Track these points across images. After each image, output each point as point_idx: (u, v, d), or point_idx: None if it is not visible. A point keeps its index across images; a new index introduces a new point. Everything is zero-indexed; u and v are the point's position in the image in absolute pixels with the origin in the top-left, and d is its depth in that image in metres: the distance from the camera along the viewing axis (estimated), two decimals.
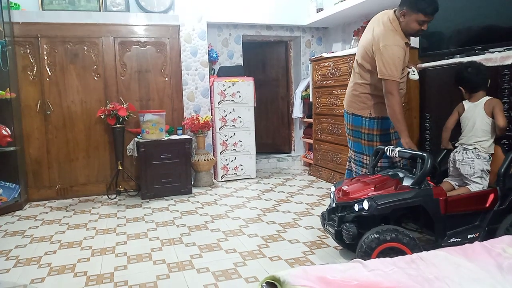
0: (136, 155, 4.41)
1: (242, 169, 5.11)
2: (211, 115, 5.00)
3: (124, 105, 4.36)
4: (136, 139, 4.45)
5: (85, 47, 4.39)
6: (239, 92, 5.00)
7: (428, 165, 2.30)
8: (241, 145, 5.08)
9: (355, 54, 4.16)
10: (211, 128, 4.93)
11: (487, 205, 2.43)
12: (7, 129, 3.87)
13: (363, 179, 2.56)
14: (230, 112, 5.00)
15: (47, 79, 4.30)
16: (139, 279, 2.42)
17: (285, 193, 4.38)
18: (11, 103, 3.99)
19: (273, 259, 2.64)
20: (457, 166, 2.65)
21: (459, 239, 2.36)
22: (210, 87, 5.02)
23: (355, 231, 2.32)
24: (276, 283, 1.45)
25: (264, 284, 1.49)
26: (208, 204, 4.04)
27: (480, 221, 2.44)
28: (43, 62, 4.27)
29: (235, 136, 5.04)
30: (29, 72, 4.25)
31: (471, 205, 2.44)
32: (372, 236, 2.17)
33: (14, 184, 4.07)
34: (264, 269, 2.50)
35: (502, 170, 2.42)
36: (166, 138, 4.42)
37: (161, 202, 4.18)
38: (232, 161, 5.06)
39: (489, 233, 2.37)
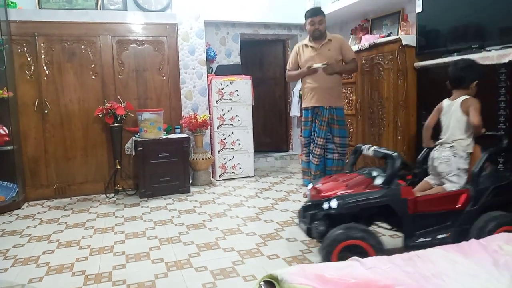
0: (134, 154, 4.41)
1: (240, 168, 5.11)
2: (209, 113, 5.00)
3: (122, 104, 4.35)
4: (134, 138, 4.45)
5: (83, 46, 4.38)
6: (237, 90, 5.00)
7: (396, 165, 2.32)
8: (239, 144, 5.08)
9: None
10: (209, 127, 4.93)
11: (459, 205, 2.39)
12: (4, 128, 3.90)
13: (338, 178, 2.58)
14: (228, 111, 5.00)
15: (45, 77, 4.29)
16: (137, 278, 2.42)
17: (283, 191, 4.39)
18: (8, 102, 3.98)
19: (271, 258, 2.65)
20: (434, 164, 2.64)
21: (429, 239, 2.36)
22: (208, 85, 5.02)
23: (323, 229, 2.34)
24: (274, 282, 1.45)
25: (262, 282, 1.49)
26: (206, 202, 4.05)
27: (452, 221, 2.40)
28: (41, 60, 4.26)
29: (233, 135, 5.04)
30: (26, 71, 4.23)
31: (442, 205, 2.41)
32: (336, 233, 2.20)
33: (11, 183, 4.06)
34: (262, 267, 2.50)
35: (476, 170, 2.42)
36: (164, 137, 4.41)
37: (159, 201, 4.18)
38: (230, 159, 5.06)
39: (461, 234, 2.33)
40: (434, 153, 2.67)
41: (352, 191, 2.35)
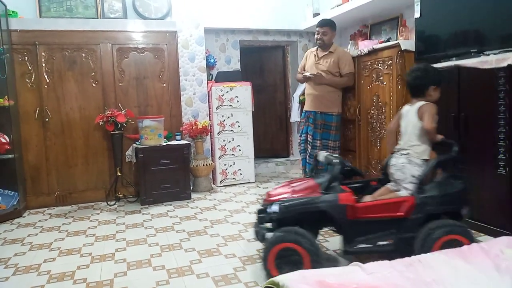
0: (135, 161, 4.42)
1: (240, 174, 5.11)
2: (209, 120, 5.01)
3: (123, 111, 4.37)
4: (134, 145, 4.45)
5: (83, 54, 4.41)
6: (237, 97, 5.02)
7: (335, 171, 2.37)
8: (240, 150, 5.08)
9: (352, 57, 4.22)
10: (209, 133, 4.94)
11: (402, 212, 2.35)
12: (5, 136, 3.91)
13: (293, 182, 2.60)
14: (228, 117, 5.01)
15: (45, 86, 4.31)
16: (138, 285, 2.42)
17: None
18: (9, 111, 4.00)
19: None
20: (391, 171, 2.63)
21: (370, 246, 2.37)
22: (208, 92, 5.03)
23: (264, 232, 2.40)
24: None
25: None
26: (207, 209, 4.04)
27: (396, 228, 2.37)
28: (41, 69, 4.28)
29: (233, 141, 5.05)
30: (27, 79, 4.26)
31: (384, 212, 2.38)
32: (273, 236, 2.28)
33: (12, 192, 4.06)
34: (263, 274, 2.49)
35: (421, 177, 2.41)
36: (164, 144, 4.42)
37: (160, 207, 4.18)
38: (230, 165, 5.06)
39: (405, 242, 2.33)
40: (392, 160, 2.66)
41: (296, 196, 2.39)
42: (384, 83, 3.74)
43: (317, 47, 4.24)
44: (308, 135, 4.22)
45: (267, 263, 2.28)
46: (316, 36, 4.16)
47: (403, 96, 3.56)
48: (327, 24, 4.10)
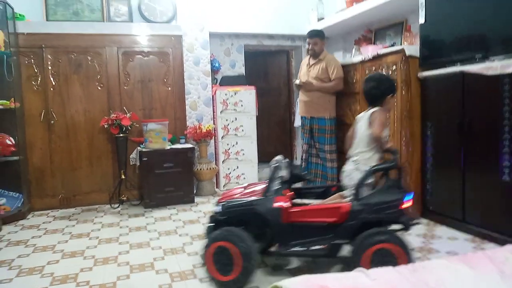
0: (139, 164, 4.43)
1: (244, 178, 5.11)
2: (214, 124, 5.02)
3: (127, 115, 4.38)
4: (139, 148, 4.47)
5: (89, 57, 4.44)
6: (241, 101, 5.02)
7: (273, 175, 2.46)
8: (243, 154, 5.08)
9: (356, 63, 4.23)
10: (213, 137, 4.94)
11: (337, 219, 2.34)
12: (11, 138, 3.94)
13: (249, 186, 2.72)
14: (232, 121, 5.02)
15: (51, 89, 4.34)
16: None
17: None
18: (15, 113, 4.02)
19: (276, 269, 2.63)
20: (342, 177, 2.65)
21: (303, 249, 2.39)
22: (213, 96, 5.05)
23: (210, 230, 2.50)
24: None
25: None
26: (210, 213, 4.04)
27: (332, 234, 2.36)
28: (47, 72, 4.31)
29: (237, 145, 5.05)
30: (33, 82, 4.29)
31: (318, 217, 2.39)
32: (211, 234, 2.41)
33: (17, 193, 4.08)
34: (266, 278, 2.49)
35: (356, 184, 2.40)
36: (169, 147, 4.43)
37: (164, 211, 4.19)
38: (234, 169, 5.06)
39: (338, 248, 2.35)
40: (344, 167, 2.68)
41: (241, 197, 2.51)
42: None
43: (309, 56, 4.49)
44: (302, 141, 4.55)
45: (205, 260, 2.40)
46: (307, 47, 4.44)
47: (408, 101, 3.55)
48: (317, 35, 4.35)
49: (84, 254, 3.02)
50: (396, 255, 2.17)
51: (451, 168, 3.28)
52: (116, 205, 4.42)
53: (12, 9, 4.08)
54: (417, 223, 2.46)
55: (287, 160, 2.65)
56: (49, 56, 4.31)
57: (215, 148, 5.12)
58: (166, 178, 4.34)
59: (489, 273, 1.52)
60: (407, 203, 2.31)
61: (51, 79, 4.33)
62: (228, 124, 5.00)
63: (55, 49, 4.32)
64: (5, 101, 3.89)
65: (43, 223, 3.90)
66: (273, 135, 6.48)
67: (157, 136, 4.33)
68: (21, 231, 3.67)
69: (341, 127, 4.55)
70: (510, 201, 2.78)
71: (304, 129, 4.53)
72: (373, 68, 3.94)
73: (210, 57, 5.11)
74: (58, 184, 4.41)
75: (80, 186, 4.48)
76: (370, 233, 2.23)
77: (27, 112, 4.27)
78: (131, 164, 4.56)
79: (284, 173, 2.51)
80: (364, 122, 2.63)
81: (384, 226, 2.32)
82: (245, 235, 2.33)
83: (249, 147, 5.10)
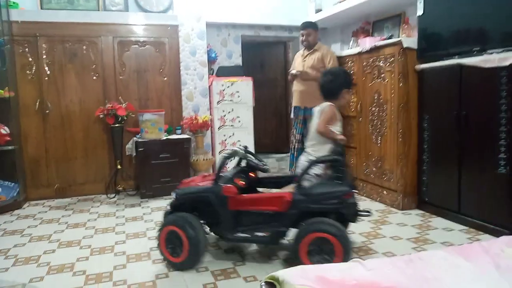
0: (135, 154, 4.41)
1: None
2: (210, 114, 5.00)
3: (123, 105, 4.36)
4: (135, 138, 4.45)
5: (84, 47, 4.39)
6: (238, 92, 5.01)
7: (219, 165, 2.60)
8: (240, 145, 5.06)
9: (353, 54, 4.22)
10: (210, 128, 4.93)
11: (279, 207, 2.43)
12: (5, 128, 3.91)
13: (212, 174, 2.87)
14: (229, 112, 5.01)
15: (46, 78, 4.30)
16: (138, 278, 2.43)
17: None
18: (10, 102, 3.99)
19: (272, 259, 2.65)
20: (297, 168, 2.77)
21: (247, 235, 2.50)
22: (209, 87, 5.02)
23: (166, 215, 2.65)
24: (275, 283, 1.45)
25: (263, 283, 1.49)
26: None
27: (275, 222, 2.46)
28: (42, 61, 4.27)
29: (234, 136, 5.04)
30: (27, 71, 4.24)
31: (262, 206, 2.49)
32: (165, 219, 2.58)
33: (12, 183, 4.06)
34: (262, 268, 2.50)
35: (300, 176, 2.49)
36: (165, 138, 4.42)
37: (160, 201, 4.18)
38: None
39: (280, 236, 2.46)
40: (299, 158, 2.82)
41: (196, 185, 2.64)
42: (386, 81, 3.74)
43: (303, 48, 4.51)
44: (295, 131, 4.54)
45: (160, 244, 2.54)
46: (301, 38, 4.46)
47: (405, 93, 3.56)
48: (310, 26, 4.39)
49: (80, 244, 3.02)
50: (333, 244, 2.25)
51: (448, 160, 3.30)
52: (112, 195, 4.41)
53: None
54: (368, 215, 2.56)
55: (245, 150, 2.77)
56: (43, 45, 4.26)
57: (212, 139, 5.11)
58: (163, 169, 4.33)
59: (485, 265, 1.54)
60: (349, 195, 2.39)
61: (46, 68, 4.29)
62: (225, 115, 4.99)
63: (49, 38, 4.28)
64: None
65: (39, 213, 3.89)
66: (270, 127, 6.47)
67: (153, 127, 4.31)
68: (17, 220, 3.66)
69: None
70: (505, 193, 2.80)
71: (298, 119, 4.50)
72: (371, 60, 3.93)
73: (207, 47, 5.08)
74: (53, 174, 4.39)
75: (75, 176, 4.47)
76: (310, 222, 2.33)
77: (21, 101, 4.23)
78: (127, 154, 4.55)
79: (242, 162, 2.67)
80: (316, 116, 2.77)
81: (328, 217, 2.38)
82: (195, 221, 2.48)
83: (246, 138, 5.10)
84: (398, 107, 3.60)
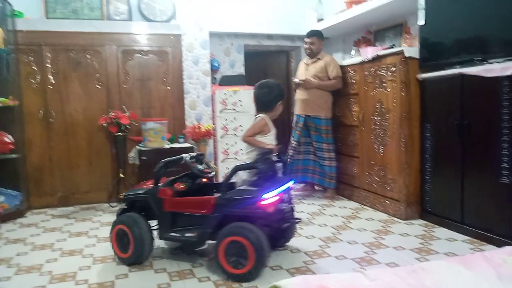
0: (138, 163, 4.42)
1: None
2: (213, 123, 5.02)
3: (126, 113, 4.38)
4: (138, 147, 4.46)
5: (88, 56, 4.43)
6: (241, 101, 5.03)
7: (157, 168, 2.78)
8: (242, 154, 5.07)
9: (355, 64, 4.24)
10: (212, 137, 4.94)
11: (205, 210, 2.60)
12: (9, 136, 3.93)
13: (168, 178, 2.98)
14: (232, 121, 5.02)
15: (50, 86, 4.33)
16: (140, 287, 2.42)
17: None
18: (14, 111, 4.02)
19: (274, 269, 2.64)
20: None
21: (178, 235, 2.67)
22: (212, 96, 5.05)
23: (118, 214, 2.85)
24: None
25: None
26: None
27: (202, 223, 2.60)
28: (46, 70, 4.30)
29: (236, 145, 5.06)
30: (32, 80, 4.28)
31: (191, 208, 2.68)
32: (118, 218, 2.79)
33: (15, 192, 4.07)
34: (265, 278, 2.49)
35: (225, 181, 2.67)
36: (167, 147, 4.43)
37: None
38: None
39: (206, 237, 2.61)
40: None
41: (146, 187, 2.83)
42: (388, 90, 3.75)
43: (307, 56, 4.59)
44: (292, 138, 4.62)
45: (112, 242, 2.78)
46: (305, 46, 4.52)
47: (407, 103, 3.56)
48: (315, 35, 4.46)
49: (82, 253, 3.02)
50: (246, 248, 2.36)
51: (450, 169, 3.29)
52: (115, 204, 4.41)
53: (11, 6, 4.08)
54: (298, 222, 2.84)
55: (195, 157, 2.97)
56: (48, 54, 4.30)
57: (214, 148, 5.13)
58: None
59: (487, 275, 1.53)
60: (264, 202, 2.44)
61: (50, 77, 4.33)
62: (227, 124, 5.01)
63: (54, 47, 4.32)
64: (4, 98, 3.88)
65: (42, 221, 3.89)
66: None
67: (156, 135, 4.32)
68: (19, 229, 3.66)
69: (340, 128, 4.58)
70: (508, 203, 2.79)
71: (297, 126, 4.56)
72: (373, 69, 3.95)
73: (210, 56, 5.11)
74: (57, 182, 4.40)
75: (78, 185, 4.48)
76: (229, 226, 2.46)
77: (25, 110, 4.26)
78: (130, 163, 4.56)
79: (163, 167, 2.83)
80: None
81: (254, 222, 2.46)
82: (140, 221, 2.70)
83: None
84: (400, 116, 3.60)
